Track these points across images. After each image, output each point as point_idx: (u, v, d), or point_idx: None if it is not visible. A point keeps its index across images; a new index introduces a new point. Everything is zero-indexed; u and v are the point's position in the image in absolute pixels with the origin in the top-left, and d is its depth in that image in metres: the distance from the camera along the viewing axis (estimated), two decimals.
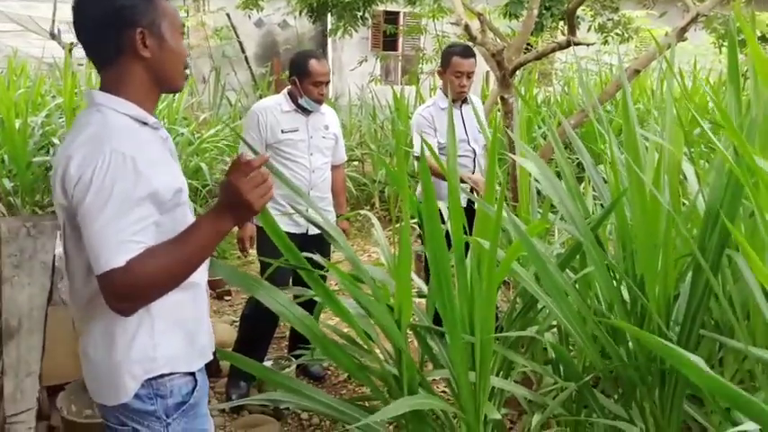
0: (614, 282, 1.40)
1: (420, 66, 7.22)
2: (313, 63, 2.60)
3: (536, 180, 1.93)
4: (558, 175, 1.96)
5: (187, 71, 1.28)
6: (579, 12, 4.78)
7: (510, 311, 1.68)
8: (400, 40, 9.50)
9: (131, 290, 1.04)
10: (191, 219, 1.25)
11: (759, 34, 5.40)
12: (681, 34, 3.55)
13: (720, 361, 1.58)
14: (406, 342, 1.38)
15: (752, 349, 1.20)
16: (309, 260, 2.06)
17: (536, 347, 1.79)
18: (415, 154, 3.01)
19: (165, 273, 1.06)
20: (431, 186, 1.35)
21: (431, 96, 6.47)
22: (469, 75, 2.93)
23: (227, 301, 3.86)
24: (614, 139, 1.95)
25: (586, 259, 1.49)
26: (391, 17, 8.80)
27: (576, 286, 1.57)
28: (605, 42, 6.07)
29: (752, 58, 1.44)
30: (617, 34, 5.97)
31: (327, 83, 2.65)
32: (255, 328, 2.66)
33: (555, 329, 1.72)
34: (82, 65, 5.93)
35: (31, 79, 5.17)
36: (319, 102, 2.64)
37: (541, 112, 6.34)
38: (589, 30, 6.03)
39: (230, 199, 1.09)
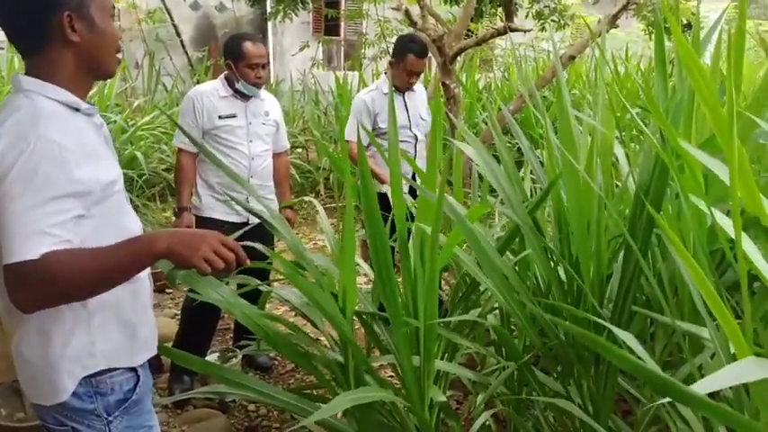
0: (551, 263, 1.44)
1: (363, 51, 7.18)
2: (248, 45, 2.52)
3: (476, 164, 1.97)
4: (498, 160, 2.00)
5: (119, 55, 1.21)
6: None
7: (453, 295, 1.70)
8: (342, 24, 9.40)
9: (40, 286, 0.97)
10: (127, 209, 1.20)
11: (684, 22, 5.65)
12: (612, 21, 3.67)
13: (652, 336, 1.67)
14: (352, 329, 1.38)
15: (679, 323, 1.27)
16: (252, 249, 2.03)
17: (479, 330, 1.83)
18: (347, 138, 3.00)
19: (82, 279, 0.99)
20: (368, 172, 1.35)
21: (372, 81, 6.51)
22: (419, 74, 2.96)
23: (168, 294, 3.74)
24: (550, 124, 2.01)
25: (525, 242, 1.53)
26: (333, 1, 8.69)
27: (516, 269, 1.61)
28: (542, 29, 6.21)
29: (676, 45, 1.50)
30: (553, 21, 6.11)
31: (265, 65, 2.58)
32: (197, 321, 2.60)
33: (497, 312, 1.76)
34: (2, 48, 5.57)
35: None
36: (257, 85, 2.57)
37: (482, 97, 6.45)
38: (527, 16, 6.16)
39: (186, 236, 1.01)
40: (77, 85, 1.13)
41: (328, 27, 9.22)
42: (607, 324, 1.20)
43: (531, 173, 2.20)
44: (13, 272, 0.97)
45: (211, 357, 2.66)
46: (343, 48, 9.71)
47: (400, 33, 6.71)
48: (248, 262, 1.09)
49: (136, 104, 5.75)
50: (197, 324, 2.62)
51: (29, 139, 1.00)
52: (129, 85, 6.37)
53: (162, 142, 5.33)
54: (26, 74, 1.11)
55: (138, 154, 4.68)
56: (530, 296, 1.48)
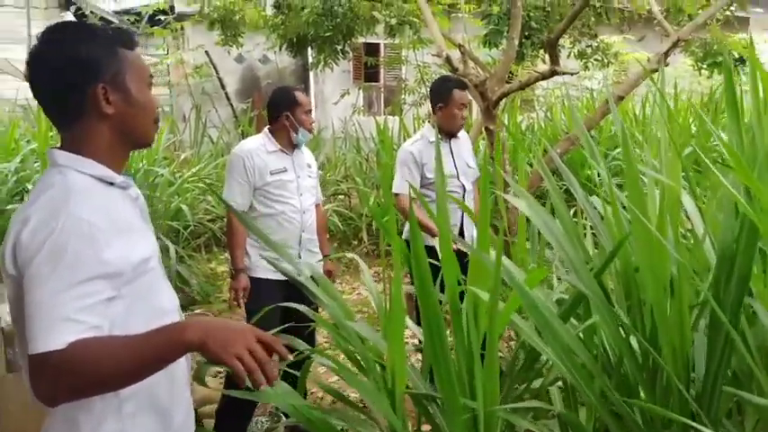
0: (622, 332, 1.29)
1: (403, 96, 7.21)
2: (299, 93, 2.60)
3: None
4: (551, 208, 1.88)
5: (159, 124, 1.17)
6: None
7: (511, 365, 1.56)
8: (382, 71, 9.52)
9: (65, 379, 0.90)
10: (161, 287, 1.13)
11: (736, 56, 5.45)
12: (663, 59, 3.53)
13: (739, 408, 1.48)
14: (403, 412, 1.25)
15: None
16: (298, 311, 1.95)
17: (542, 400, 1.68)
18: (395, 191, 2.93)
19: (110, 371, 0.91)
20: (418, 235, 1.25)
21: (414, 127, 6.49)
22: (467, 107, 2.91)
23: None
24: (605, 169, 1.88)
25: (590, 307, 1.39)
26: (372, 49, 8.83)
27: (581, 336, 1.47)
28: (586, 68, 6.10)
29: (753, 83, 1.37)
30: (596, 60, 6.01)
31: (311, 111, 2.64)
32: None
33: (560, 382, 1.60)
34: None
35: (4, 123, 5.04)
36: (312, 131, 2.63)
37: (526, 139, 6.33)
38: (569, 56, 6.07)
39: (221, 330, 0.93)
40: (113, 157, 1.08)
41: (368, 74, 9.35)
42: (693, 405, 1.05)
43: (585, 219, 2.06)
44: (37, 363, 0.90)
45: (258, 422, 2.56)
46: (383, 94, 9.80)
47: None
48: (290, 357, 1.01)
49: (183, 157, 5.88)
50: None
51: (59, 218, 0.95)
52: (177, 138, 6.55)
53: (207, 193, 5.41)
54: (61, 147, 1.07)
55: (184, 206, 4.73)
56: (598, 369, 1.33)
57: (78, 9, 7.44)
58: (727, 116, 1.49)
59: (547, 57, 4.89)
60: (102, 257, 0.96)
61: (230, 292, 2.64)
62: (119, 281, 0.99)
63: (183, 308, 3.82)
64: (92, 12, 7.19)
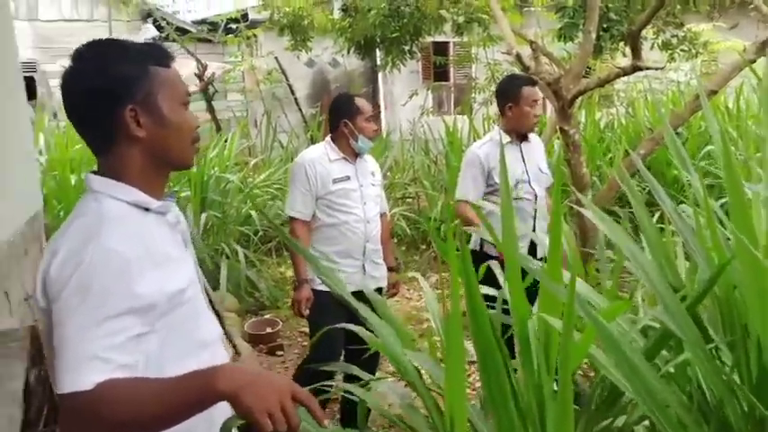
0: (724, 376, 1.11)
1: (473, 95, 7.02)
2: (359, 100, 2.53)
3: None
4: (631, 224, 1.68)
5: (197, 145, 1.10)
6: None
7: (590, 399, 1.39)
8: (451, 70, 9.33)
9: (91, 422, 0.85)
10: (201, 318, 1.07)
11: None
12: (762, 48, 3.18)
13: None
14: None
15: None
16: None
17: None
18: (458, 197, 2.79)
19: (137, 417, 0.85)
20: (473, 275, 1.11)
21: (484, 127, 6.28)
22: (539, 103, 2.73)
23: (278, 356, 3.69)
24: (697, 177, 1.65)
25: (682, 342, 1.21)
26: (441, 48, 8.67)
27: (672, 369, 1.28)
28: (671, 60, 5.66)
29: None
30: (683, 51, 5.57)
31: (375, 118, 2.55)
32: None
33: (648, 420, 1.42)
34: None
35: None
36: (373, 139, 2.56)
37: (605, 138, 5.96)
38: (652, 48, 5.65)
39: (256, 382, 0.86)
40: (149, 182, 1.02)
41: (437, 73, 9.19)
42: None
43: (672, 228, 1.84)
44: (65, 403, 0.86)
45: None
46: (453, 93, 9.62)
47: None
48: (325, 423, 0.91)
49: (253, 162, 5.97)
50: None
51: (87, 249, 0.90)
52: (249, 143, 6.68)
53: (277, 198, 5.46)
54: (97, 171, 1.03)
55: (252, 212, 4.78)
56: (693, 415, 1.15)
57: (157, 20, 7.76)
58: None
59: (627, 49, 4.58)
60: (134, 291, 0.90)
61: (293, 304, 2.60)
62: (152, 315, 0.93)
63: (254, 312, 3.84)
64: (168, 23, 7.47)
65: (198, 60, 7.25)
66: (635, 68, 2.71)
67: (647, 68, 2.70)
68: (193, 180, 4.47)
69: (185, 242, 1.09)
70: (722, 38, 6.86)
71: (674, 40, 5.31)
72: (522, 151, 2.78)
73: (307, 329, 3.99)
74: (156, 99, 1.00)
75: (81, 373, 0.85)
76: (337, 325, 1.94)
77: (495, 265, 1.99)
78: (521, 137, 2.78)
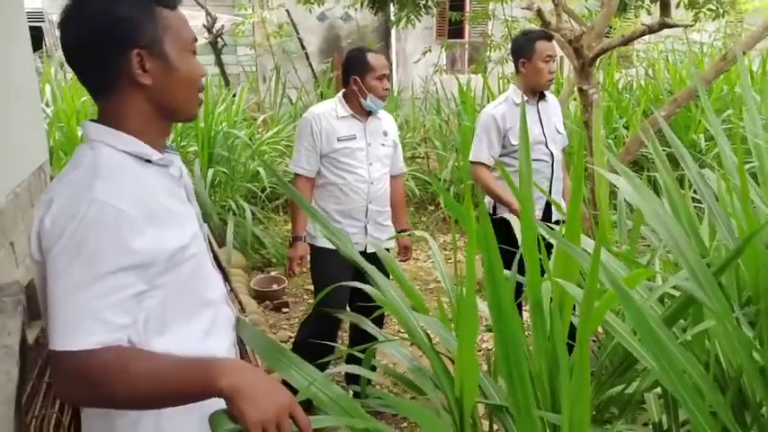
0: (745, 346, 1.06)
1: (488, 53, 6.82)
2: (371, 56, 2.40)
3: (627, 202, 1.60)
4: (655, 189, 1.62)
5: (201, 95, 1.03)
6: None
7: (600, 368, 1.36)
8: (466, 27, 9.06)
9: (83, 386, 0.82)
10: (205, 276, 1.02)
11: None
12: None
13: None
14: (471, 424, 1.10)
15: None
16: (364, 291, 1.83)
17: (634, 405, 1.47)
18: (473, 159, 2.71)
19: (132, 391, 0.82)
20: (492, 238, 1.05)
21: (499, 87, 6.12)
22: (554, 59, 2.61)
23: (284, 313, 3.70)
24: (728, 145, 1.58)
25: (702, 311, 1.16)
26: (456, 4, 8.40)
27: (690, 341, 1.24)
28: (696, 19, 5.44)
29: None
30: (710, 10, 5.33)
31: (389, 76, 2.43)
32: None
33: (660, 388, 1.39)
34: None
35: None
36: (384, 98, 2.43)
37: (623, 99, 5.81)
38: (678, 6, 5.42)
39: (257, 389, 0.82)
40: (152, 132, 0.96)
41: (452, 31, 8.94)
42: None
43: (693, 192, 1.77)
44: (56, 361, 0.82)
45: None
46: (467, 51, 9.36)
47: None
48: None
49: (262, 119, 5.88)
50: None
51: (81, 202, 0.85)
52: (257, 99, 6.57)
53: (285, 155, 5.40)
54: (96, 120, 0.97)
55: (261, 169, 4.73)
56: (710, 384, 1.11)
57: None
58: None
59: (653, 7, 4.39)
60: (132, 246, 0.86)
61: (288, 263, 2.57)
62: (151, 272, 0.89)
63: (260, 269, 3.83)
64: None
65: (207, 12, 7.07)
66: (662, 26, 2.58)
67: (676, 26, 2.57)
68: (201, 135, 4.41)
69: (189, 197, 1.04)
70: None
71: None
72: (539, 111, 2.69)
73: (311, 287, 4.01)
74: (163, 44, 0.94)
75: (74, 333, 0.81)
76: (344, 283, 1.91)
77: (514, 222, 1.94)
78: (538, 96, 2.68)
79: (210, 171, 4.37)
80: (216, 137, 4.59)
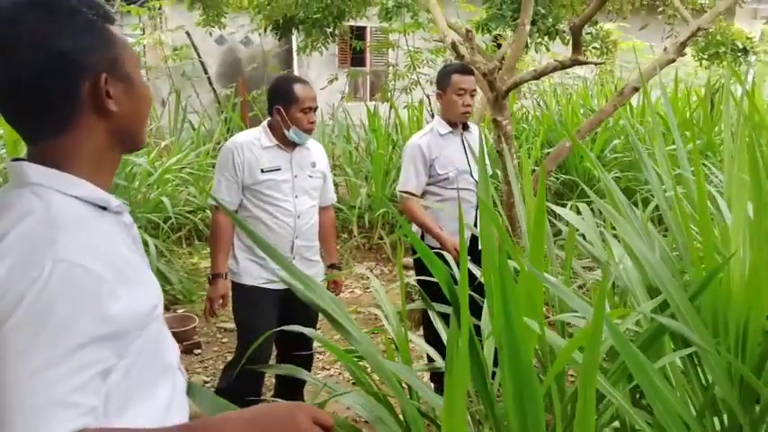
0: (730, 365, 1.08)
1: (392, 82, 6.94)
2: (298, 87, 2.26)
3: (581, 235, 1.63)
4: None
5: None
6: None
7: (564, 410, 1.34)
8: (368, 56, 9.21)
9: None
10: (165, 336, 0.87)
11: (740, 46, 5.30)
12: (681, 49, 3.34)
13: None
14: None
15: None
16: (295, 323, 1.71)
17: None
18: (401, 189, 2.69)
19: None
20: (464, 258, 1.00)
21: (409, 114, 6.23)
22: (472, 93, 2.64)
23: (196, 355, 3.43)
24: (665, 178, 1.66)
25: (674, 340, 1.18)
26: (359, 33, 8.51)
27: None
28: (584, 56, 5.89)
29: None
30: (595, 48, 5.80)
31: (315, 108, 2.31)
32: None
33: (618, 422, 1.39)
34: None
35: None
36: (309, 131, 2.30)
37: (523, 129, 6.12)
38: (567, 43, 5.85)
39: (271, 422, 0.73)
40: (104, 171, 0.82)
41: (354, 59, 9.03)
42: None
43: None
44: None
45: None
46: (369, 79, 9.50)
47: (435, 64, 6.47)
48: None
49: (163, 145, 5.53)
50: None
51: (43, 263, 0.69)
52: (156, 124, 6.18)
53: (189, 184, 5.10)
54: (32, 159, 0.79)
55: (165, 199, 4.42)
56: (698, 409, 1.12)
57: None
58: None
59: (551, 44, 4.68)
60: (104, 314, 0.71)
61: (206, 302, 2.38)
62: (123, 341, 0.74)
63: (165, 308, 3.53)
64: None
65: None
66: (574, 62, 2.73)
67: (587, 63, 2.73)
68: None
69: (139, 248, 0.89)
70: (625, 37, 7.27)
71: (588, 37, 5.50)
72: (463, 141, 2.72)
73: (226, 325, 3.75)
74: (124, 65, 0.80)
75: (39, 426, 0.64)
76: (283, 328, 1.78)
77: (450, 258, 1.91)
78: (462, 127, 2.72)
79: None
80: None
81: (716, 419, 1.16)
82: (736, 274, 1.11)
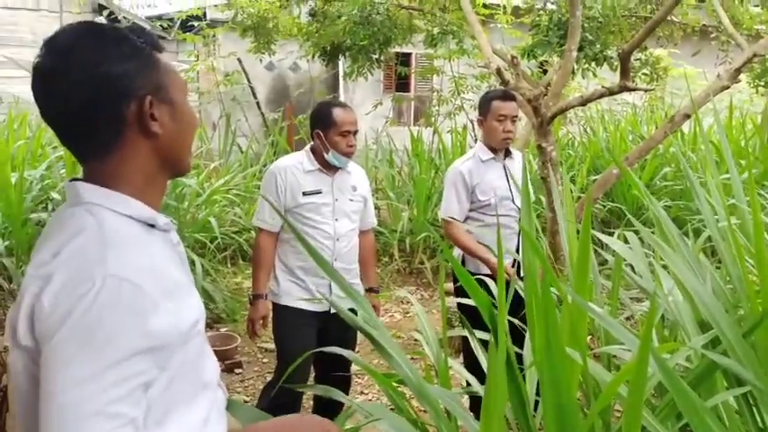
0: None
1: (436, 107, 6.98)
2: (338, 111, 2.30)
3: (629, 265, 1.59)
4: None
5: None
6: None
7: None
8: (413, 81, 9.30)
9: None
10: (206, 353, 0.90)
11: None
12: (735, 75, 3.24)
13: None
14: None
15: None
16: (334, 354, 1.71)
17: None
18: (443, 215, 2.68)
19: None
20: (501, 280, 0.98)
21: (452, 139, 6.24)
22: (513, 119, 2.62)
23: (237, 374, 3.47)
24: (722, 210, 1.60)
25: (728, 379, 1.12)
26: (404, 59, 8.62)
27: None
28: (633, 82, 5.78)
29: None
30: (645, 74, 5.69)
31: (356, 132, 2.34)
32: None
33: None
34: None
35: (32, 129, 4.91)
36: (349, 155, 2.32)
37: (569, 155, 6.03)
38: (615, 69, 5.76)
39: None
40: (153, 191, 0.86)
41: (398, 84, 9.14)
42: None
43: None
44: None
45: None
46: (413, 104, 9.58)
47: (479, 90, 6.48)
48: None
49: (212, 167, 5.71)
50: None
51: (93, 278, 0.72)
52: (206, 147, 6.39)
53: (235, 205, 5.22)
54: (86, 179, 0.84)
55: (212, 219, 4.53)
56: None
57: (111, 14, 7.37)
58: None
59: (598, 70, 4.62)
60: (148, 329, 0.73)
61: (247, 323, 2.42)
62: (164, 355, 0.76)
63: (209, 326, 3.61)
64: (125, 17, 7.11)
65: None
66: (623, 88, 2.68)
67: (636, 89, 2.68)
68: None
69: (186, 266, 0.92)
70: (676, 64, 7.11)
71: (638, 63, 5.41)
72: (505, 168, 2.70)
73: (267, 345, 3.79)
74: (168, 90, 0.84)
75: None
76: (321, 349, 1.78)
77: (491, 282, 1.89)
78: (503, 153, 2.71)
79: None
80: None
81: None
82: None
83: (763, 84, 5.38)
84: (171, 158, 0.87)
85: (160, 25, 7.66)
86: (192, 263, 4.08)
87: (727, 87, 3.15)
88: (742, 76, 5.89)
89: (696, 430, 0.91)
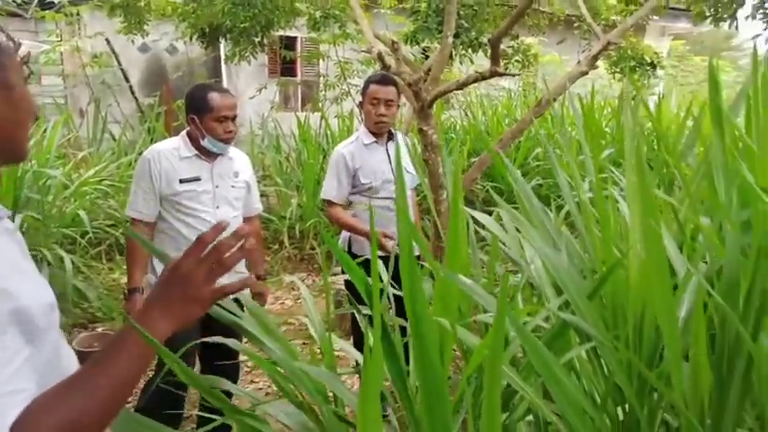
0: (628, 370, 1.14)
1: (323, 92, 6.94)
2: (213, 95, 2.20)
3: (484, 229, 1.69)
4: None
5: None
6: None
7: (476, 404, 1.38)
8: (299, 66, 9.17)
9: None
10: (64, 345, 0.85)
11: (649, 61, 5.67)
12: (592, 62, 3.53)
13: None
14: None
15: None
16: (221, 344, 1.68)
17: None
18: (324, 197, 2.69)
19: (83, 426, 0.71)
20: (412, 258, 1.02)
21: (338, 124, 6.25)
22: (388, 103, 2.66)
23: None
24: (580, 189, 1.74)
25: (580, 336, 1.24)
26: (289, 43, 8.46)
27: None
28: (506, 68, 6.12)
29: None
30: (517, 61, 6.04)
31: (234, 118, 2.25)
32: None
33: (531, 415, 1.44)
34: None
35: None
36: (226, 141, 2.24)
37: (450, 138, 6.27)
38: (489, 56, 6.07)
39: (175, 292, 0.81)
40: None
41: (284, 69, 8.97)
42: None
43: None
44: None
45: None
46: (300, 89, 9.45)
47: (365, 75, 6.53)
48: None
49: (81, 156, 5.28)
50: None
51: None
52: (73, 134, 5.89)
53: (109, 197, 4.88)
54: None
55: (82, 212, 4.20)
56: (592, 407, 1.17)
57: None
58: (714, 132, 1.38)
59: (475, 56, 4.83)
60: (8, 301, 0.71)
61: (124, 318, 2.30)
62: (31, 333, 0.74)
63: (83, 326, 3.38)
64: None
65: (10, 37, 6.22)
66: (494, 74, 2.83)
67: (505, 75, 2.84)
68: (5, 175, 3.80)
69: (26, 256, 0.85)
70: (545, 52, 7.62)
71: (510, 51, 5.73)
72: (388, 151, 2.76)
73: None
74: (6, 74, 0.77)
75: None
76: (205, 339, 1.73)
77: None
78: (386, 136, 2.76)
79: (18, 216, 3.77)
80: (24, 177, 3.99)
81: (619, 409, 1.23)
82: (633, 271, 1.19)
83: (618, 70, 5.91)
84: (5, 144, 0.80)
85: (13, 1, 6.91)
86: (61, 260, 3.78)
87: (586, 73, 3.42)
88: (600, 63, 6.44)
89: (547, 383, 1.00)
